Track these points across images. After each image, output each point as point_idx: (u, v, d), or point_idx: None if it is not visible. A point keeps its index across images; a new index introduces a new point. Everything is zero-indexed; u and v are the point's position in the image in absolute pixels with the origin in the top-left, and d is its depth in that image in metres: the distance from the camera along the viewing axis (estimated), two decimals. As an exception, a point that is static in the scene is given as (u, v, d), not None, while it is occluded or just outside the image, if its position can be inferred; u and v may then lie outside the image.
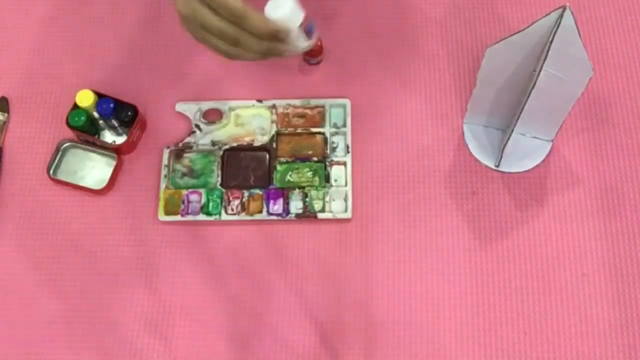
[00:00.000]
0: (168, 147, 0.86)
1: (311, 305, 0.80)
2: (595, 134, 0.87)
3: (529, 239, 0.82)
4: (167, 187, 0.84)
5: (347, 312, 0.80)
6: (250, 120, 0.87)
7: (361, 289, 0.80)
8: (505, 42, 0.71)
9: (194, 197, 0.84)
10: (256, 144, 0.86)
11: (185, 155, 0.86)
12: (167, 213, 0.83)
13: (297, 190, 0.83)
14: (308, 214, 0.82)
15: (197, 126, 0.86)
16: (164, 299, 0.81)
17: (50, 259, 0.83)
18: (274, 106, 0.87)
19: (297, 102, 0.88)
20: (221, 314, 0.80)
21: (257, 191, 0.83)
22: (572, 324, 0.79)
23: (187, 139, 0.86)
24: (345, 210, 0.83)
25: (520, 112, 0.75)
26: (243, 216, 0.82)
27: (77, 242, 0.83)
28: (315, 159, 0.85)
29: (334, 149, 0.86)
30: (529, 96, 0.72)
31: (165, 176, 0.84)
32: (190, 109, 0.87)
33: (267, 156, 0.85)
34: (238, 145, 0.86)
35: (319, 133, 0.86)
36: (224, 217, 0.82)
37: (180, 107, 0.88)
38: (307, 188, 0.84)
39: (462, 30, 0.92)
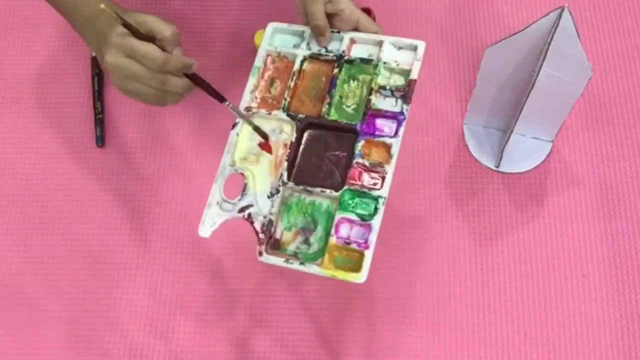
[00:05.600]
0: (260, 254, 0.64)
1: (311, 305, 0.80)
2: (595, 134, 0.87)
3: (529, 239, 0.82)
4: (318, 265, 0.62)
5: (347, 312, 0.80)
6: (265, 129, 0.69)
7: (361, 289, 0.80)
8: (505, 43, 0.71)
9: (344, 230, 0.63)
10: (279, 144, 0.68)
11: (277, 234, 0.66)
12: (355, 269, 0.62)
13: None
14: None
15: (243, 209, 0.66)
16: (164, 299, 0.81)
17: (50, 259, 0.83)
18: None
19: None
20: (221, 314, 0.80)
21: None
22: (572, 324, 0.78)
23: (257, 225, 0.65)
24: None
25: (520, 113, 0.75)
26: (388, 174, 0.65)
27: (77, 242, 0.83)
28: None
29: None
30: (528, 96, 0.73)
31: (301, 263, 0.63)
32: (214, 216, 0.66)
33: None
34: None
35: None
36: (381, 199, 0.64)
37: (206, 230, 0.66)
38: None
39: (462, 31, 0.92)
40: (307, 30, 0.72)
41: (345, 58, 0.70)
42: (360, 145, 0.66)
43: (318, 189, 0.65)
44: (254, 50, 0.91)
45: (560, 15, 0.66)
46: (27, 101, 0.90)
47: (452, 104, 0.88)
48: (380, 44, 0.70)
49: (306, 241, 0.65)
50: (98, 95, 0.89)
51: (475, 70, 0.78)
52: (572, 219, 0.83)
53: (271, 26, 0.74)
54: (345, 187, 0.64)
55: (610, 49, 0.91)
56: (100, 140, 0.87)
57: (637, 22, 0.92)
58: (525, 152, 0.85)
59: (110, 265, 0.82)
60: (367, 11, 0.89)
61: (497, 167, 0.85)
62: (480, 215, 0.83)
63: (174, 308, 0.80)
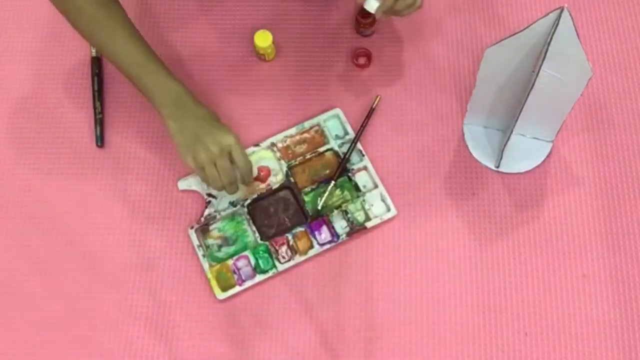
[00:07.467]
0: (192, 227, 0.82)
1: (311, 305, 0.80)
2: (595, 134, 0.87)
3: (529, 239, 0.82)
4: (210, 265, 0.81)
5: (347, 312, 0.80)
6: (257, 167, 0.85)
7: (361, 289, 0.80)
8: (504, 43, 0.71)
9: (242, 263, 0.81)
10: (274, 186, 0.84)
11: (212, 227, 0.83)
12: (224, 289, 0.80)
13: (335, 212, 0.82)
14: (357, 229, 0.81)
15: (210, 195, 0.83)
16: (164, 299, 0.81)
17: (50, 259, 0.83)
18: (272, 144, 0.85)
19: (292, 130, 0.86)
20: (221, 314, 0.80)
21: (299, 229, 0.82)
22: (572, 324, 0.79)
23: (207, 211, 0.83)
24: (388, 210, 0.82)
25: (520, 113, 0.75)
26: (298, 258, 0.80)
27: (77, 242, 0.83)
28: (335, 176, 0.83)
29: (348, 159, 0.85)
30: (528, 96, 0.73)
31: (204, 256, 0.81)
32: (195, 182, 0.84)
33: (291, 193, 0.84)
34: (258, 195, 0.83)
35: (327, 150, 0.85)
36: (280, 267, 0.80)
37: (183, 184, 0.85)
38: (343, 205, 0.83)
39: (462, 31, 0.92)
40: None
41: (350, 175, 0.84)
42: (299, 230, 0.81)
43: (254, 227, 0.82)
44: (254, 50, 0.91)
45: (560, 16, 0.66)
46: (27, 101, 0.90)
47: (452, 104, 0.88)
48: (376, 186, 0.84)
49: (220, 246, 0.82)
50: (98, 95, 0.89)
51: (475, 70, 0.78)
52: (572, 219, 0.83)
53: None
54: (266, 243, 0.81)
55: (610, 49, 0.91)
56: (100, 140, 0.87)
57: (637, 22, 0.92)
58: (525, 152, 0.85)
59: (110, 265, 0.82)
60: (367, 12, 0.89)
61: (497, 167, 0.85)
62: (480, 215, 0.83)
63: (174, 308, 0.80)
